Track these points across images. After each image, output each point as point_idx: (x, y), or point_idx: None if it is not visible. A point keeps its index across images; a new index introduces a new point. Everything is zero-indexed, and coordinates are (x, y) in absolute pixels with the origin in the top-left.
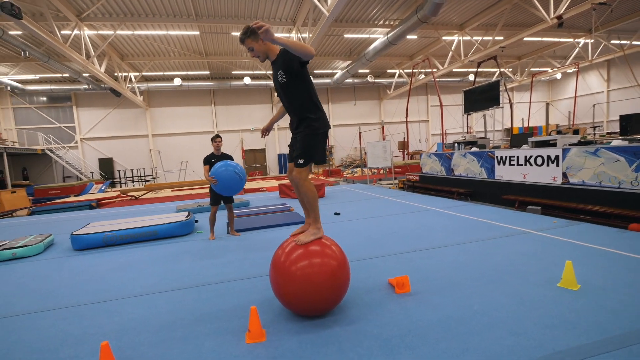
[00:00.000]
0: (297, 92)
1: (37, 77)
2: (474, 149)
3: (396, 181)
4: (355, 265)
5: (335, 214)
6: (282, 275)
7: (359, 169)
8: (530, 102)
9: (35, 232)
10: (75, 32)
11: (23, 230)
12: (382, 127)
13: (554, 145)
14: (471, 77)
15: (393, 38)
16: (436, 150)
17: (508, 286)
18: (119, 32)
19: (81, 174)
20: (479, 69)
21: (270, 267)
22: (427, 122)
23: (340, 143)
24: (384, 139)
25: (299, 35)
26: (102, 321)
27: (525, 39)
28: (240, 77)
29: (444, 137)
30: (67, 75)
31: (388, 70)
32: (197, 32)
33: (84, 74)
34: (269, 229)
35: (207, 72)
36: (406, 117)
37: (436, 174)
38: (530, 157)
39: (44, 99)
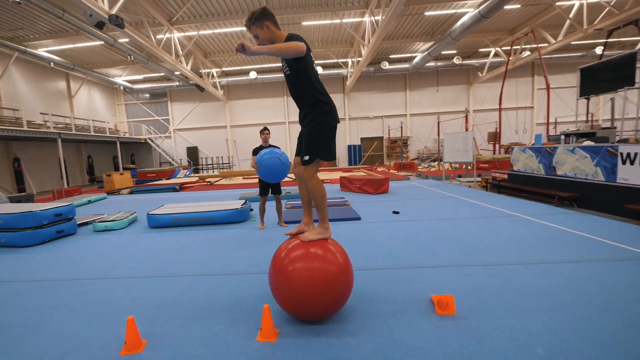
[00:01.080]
0: (301, 85)
1: (141, 77)
2: (587, 142)
3: (479, 179)
4: (396, 273)
5: (394, 212)
6: (277, 274)
7: (436, 163)
8: None
9: (126, 208)
10: (167, 35)
11: (120, 207)
12: (466, 116)
13: None
14: (598, 51)
15: (486, 10)
16: (533, 144)
17: (600, 330)
18: (201, 32)
19: (173, 160)
20: (610, 39)
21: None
22: (531, 108)
23: (416, 134)
24: (467, 130)
25: (372, 18)
26: (148, 295)
27: None
28: None
29: (550, 126)
30: (163, 74)
31: (480, 50)
32: None
33: (175, 72)
34: None
35: (280, 64)
36: (499, 103)
37: (531, 172)
38: None
39: (147, 95)
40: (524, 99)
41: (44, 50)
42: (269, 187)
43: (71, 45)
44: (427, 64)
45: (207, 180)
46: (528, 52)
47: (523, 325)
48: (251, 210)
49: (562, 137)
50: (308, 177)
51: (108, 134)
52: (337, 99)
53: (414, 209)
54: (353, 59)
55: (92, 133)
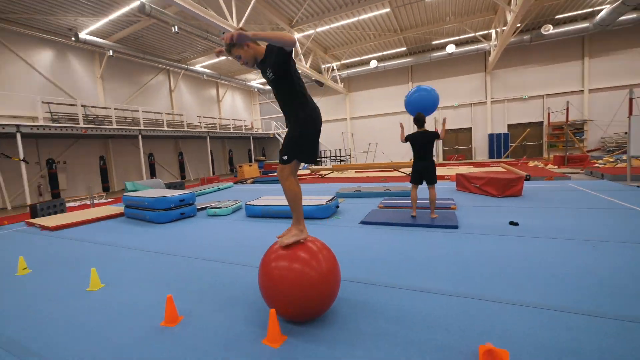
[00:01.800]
0: (285, 88)
1: None
2: None
3: None
4: (454, 302)
5: (511, 223)
6: (261, 275)
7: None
8: None
9: (246, 197)
10: None
11: (241, 195)
12: None
13: None
14: None
15: None
16: None
17: None
18: (319, 29)
19: None
20: None
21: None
22: None
23: (597, 117)
24: None
25: None
26: (206, 277)
27: None
28: (442, 47)
29: None
30: None
31: None
32: (388, 9)
33: None
34: (408, 227)
35: (404, 49)
36: None
37: None
38: None
39: None
40: None
41: (200, 65)
42: (423, 177)
43: (217, 59)
44: (622, 18)
45: (319, 173)
46: None
47: None
48: (337, 207)
49: None
50: (282, 177)
51: (244, 131)
52: (475, 79)
53: (547, 222)
54: (497, 29)
55: (232, 130)
